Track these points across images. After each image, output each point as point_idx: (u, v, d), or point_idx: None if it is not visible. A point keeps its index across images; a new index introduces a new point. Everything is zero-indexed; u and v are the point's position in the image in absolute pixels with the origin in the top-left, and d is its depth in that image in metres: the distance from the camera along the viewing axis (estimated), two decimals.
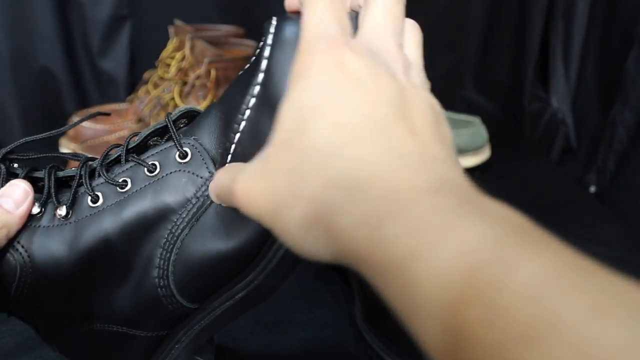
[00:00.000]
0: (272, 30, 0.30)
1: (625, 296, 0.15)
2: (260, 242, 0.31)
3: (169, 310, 0.33)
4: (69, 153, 0.35)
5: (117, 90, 0.91)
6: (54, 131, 0.35)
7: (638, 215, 0.69)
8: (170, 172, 0.32)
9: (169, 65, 0.75)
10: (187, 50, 0.73)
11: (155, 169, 0.32)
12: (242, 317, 0.42)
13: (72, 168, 0.34)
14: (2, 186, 0.32)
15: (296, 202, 0.22)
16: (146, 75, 0.79)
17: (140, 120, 0.74)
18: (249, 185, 0.24)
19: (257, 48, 0.31)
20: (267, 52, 0.29)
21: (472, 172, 0.77)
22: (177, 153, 0.32)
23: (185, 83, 0.73)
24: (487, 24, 0.99)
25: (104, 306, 0.33)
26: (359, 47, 0.24)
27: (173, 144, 0.32)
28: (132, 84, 0.91)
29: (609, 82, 0.81)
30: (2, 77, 0.86)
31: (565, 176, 0.83)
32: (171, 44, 0.77)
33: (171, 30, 0.78)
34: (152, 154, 0.33)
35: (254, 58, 0.31)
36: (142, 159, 0.33)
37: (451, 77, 1.01)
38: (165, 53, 0.77)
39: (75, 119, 0.75)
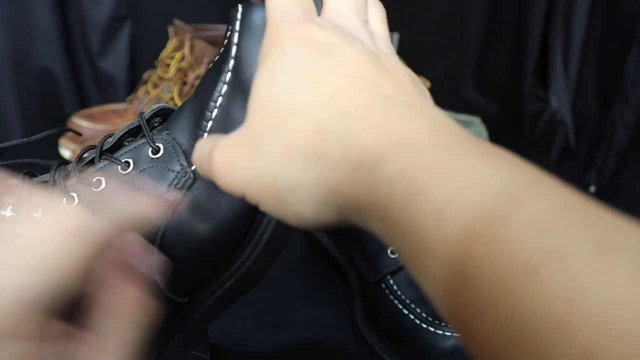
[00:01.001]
0: (238, 16, 0.30)
1: (632, 232, 0.14)
2: (241, 226, 0.31)
3: (160, 305, 0.33)
4: (41, 160, 0.34)
5: (116, 90, 0.91)
6: (27, 138, 0.35)
7: (638, 216, 0.69)
8: (144, 169, 0.32)
9: (168, 65, 0.75)
10: (186, 50, 0.73)
11: (129, 166, 0.32)
12: (242, 317, 0.42)
13: (46, 174, 0.33)
14: None
15: (290, 161, 0.21)
16: (146, 75, 0.79)
17: None
18: (230, 151, 0.23)
19: (225, 37, 0.31)
20: (235, 39, 0.30)
21: None
22: (150, 149, 0.32)
23: (184, 83, 0.73)
24: (487, 24, 0.99)
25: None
26: (324, 23, 0.24)
27: (146, 140, 0.32)
28: (132, 84, 0.91)
29: (608, 82, 0.81)
30: (2, 77, 0.86)
31: (565, 176, 0.83)
32: (171, 44, 0.77)
33: (171, 30, 0.78)
34: (125, 152, 0.33)
35: (222, 47, 0.31)
36: (115, 157, 0.32)
37: (451, 77, 1.01)
38: (164, 53, 0.77)
39: (75, 119, 0.75)
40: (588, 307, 0.13)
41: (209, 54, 0.72)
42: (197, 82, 0.72)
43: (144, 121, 0.33)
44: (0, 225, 0.22)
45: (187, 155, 0.32)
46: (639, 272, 0.13)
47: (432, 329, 0.41)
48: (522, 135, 0.96)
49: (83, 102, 0.92)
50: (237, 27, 0.30)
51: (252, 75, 0.28)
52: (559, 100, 0.90)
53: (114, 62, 0.90)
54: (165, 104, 0.35)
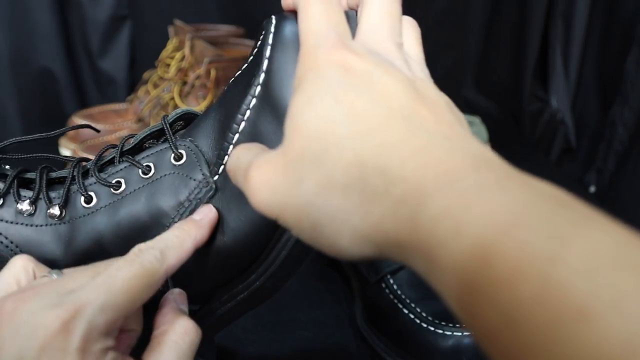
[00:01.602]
0: (272, 29, 0.29)
1: None
2: (260, 242, 0.31)
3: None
4: (63, 156, 0.35)
5: (116, 90, 0.91)
6: (45, 133, 0.34)
7: (638, 215, 0.69)
8: (165, 175, 0.31)
9: (168, 65, 0.75)
10: (187, 50, 0.73)
11: (150, 170, 0.32)
12: (242, 317, 0.42)
13: (64, 169, 0.34)
14: None
15: (330, 192, 0.21)
16: (146, 75, 0.79)
17: (140, 120, 0.74)
18: (268, 173, 0.23)
19: (255, 47, 0.30)
20: (267, 52, 0.29)
21: None
22: (172, 155, 0.32)
23: (185, 83, 0.73)
24: (487, 24, 0.99)
25: None
26: (359, 49, 0.23)
27: (168, 145, 0.32)
28: (132, 84, 0.91)
29: (608, 82, 0.81)
30: (2, 77, 0.86)
31: (564, 176, 0.83)
32: (171, 44, 0.77)
33: (171, 30, 0.78)
34: (147, 155, 0.32)
35: (252, 57, 0.31)
36: (136, 160, 0.32)
37: (451, 77, 1.01)
38: (165, 53, 0.77)
39: (75, 119, 0.75)
40: None
41: (209, 54, 0.72)
42: (197, 82, 0.72)
43: (167, 125, 0.33)
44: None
45: (210, 164, 0.31)
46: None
47: (432, 329, 0.41)
48: (522, 135, 0.96)
49: (83, 102, 0.92)
50: (270, 41, 0.29)
51: (283, 90, 0.29)
52: (559, 100, 0.90)
53: (114, 62, 0.90)
54: (190, 109, 0.34)
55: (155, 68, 0.78)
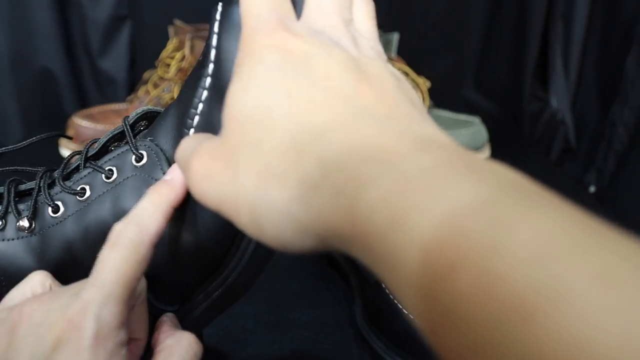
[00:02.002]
0: (217, 17, 0.28)
1: (636, 260, 0.13)
2: (226, 237, 0.31)
3: (151, 313, 0.32)
4: (32, 168, 0.34)
5: (117, 90, 0.91)
6: (12, 146, 0.34)
7: (638, 215, 0.69)
8: (128, 177, 0.31)
9: (168, 65, 0.75)
10: (186, 50, 0.73)
11: (113, 174, 0.31)
12: (242, 316, 0.42)
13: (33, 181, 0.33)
14: None
15: (269, 182, 0.20)
16: (146, 75, 0.79)
17: None
18: (207, 162, 0.22)
19: (208, 38, 0.30)
20: (214, 41, 0.28)
21: None
22: (133, 157, 0.31)
23: None
24: (487, 24, 0.99)
25: None
26: (300, 30, 0.23)
27: (129, 147, 0.31)
28: (132, 84, 0.91)
29: (608, 82, 0.81)
30: (2, 77, 0.86)
31: (564, 176, 0.83)
32: (171, 44, 0.77)
33: (171, 30, 0.78)
34: (109, 159, 0.32)
35: (204, 50, 0.30)
36: (99, 164, 0.32)
37: (451, 77, 1.01)
38: (165, 53, 0.77)
39: (75, 119, 0.75)
40: (591, 350, 0.11)
41: None
42: None
43: (128, 126, 0.32)
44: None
45: (171, 162, 0.30)
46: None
47: None
48: (522, 135, 0.96)
49: (83, 102, 0.92)
50: (216, 29, 0.28)
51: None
52: (559, 100, 0.90)
53: (114, 62, 0.90)
54: (151, 107, 0.33)
55: (155, 68, 0.78)
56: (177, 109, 0.31)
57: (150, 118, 0.33)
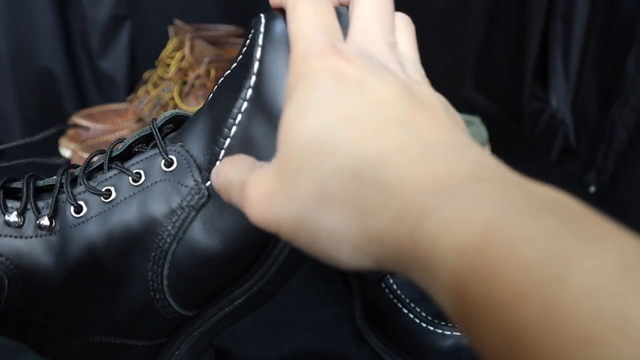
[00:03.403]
0: (261, 29, 0.28)
1: None
2: (255, 247, 0.30)
3: (167, 319, 0.32)
4: (46, 159, 0.34)
5: (117, 90, 0.91)
6: (29, 138, 0.34)
7: (638, 215, 0.69)
8: (156, 182, 0.30)
9: (168, 65, 0.75)
10: (186, 50, 0.73)
11: (140, 178, 0.31)
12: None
13: (52, 177, 0.33)
14: None
15: (328, 205, 0.20)
16: (146, 75, 0.79)
17: (140, 120, 0.74)
18: (265, 187, 0.22)
19: (244, 46, 0.29)
20: (258, 54, 0.28)
21: None
22: (163, 161, 0.31)
23: (185, 83, 0.73)
24: (487, 24, 0.99)
25: (97, 318, 0.32)
26: (351, 53, 0.23)
27: (158, 151, 0.31)
28: (132, 84, 0.91)
29: (608, 82, 0.81)
30: (2, 77, 0.86)
31: (564, 176, 0.83)
32: (171, 44, 0.77)
33: (171, 30, 0.78)
34: (136, 162, 0.31)
35: (241, 57, 0.30)
36: (126, 167, 0.31)
37: (451, 77, 1.01)
38: (165, 53, 0.77)
39: (75, 119, 0.75)
40: None
41: (209, 54, 0.72)
42: (197, 81, 0.72)
43: (156, 130, 0.32)
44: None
45: (202, 170, 0.30)
46: None
47: (431, 328, 0.41)
48: (522, 135, 0.96)
49: (83, 102, 0.92)
50: (260, 41, 0.28)
51: (275, 93, 0.28)
52: (559, 100, 0.90)
53: (114, 62, 0.90)
54: (179, 111, 0.33)
55: (155, 68, 0.78)
56: (210, 117, 0.30)
57: (177, 122, 0.33)
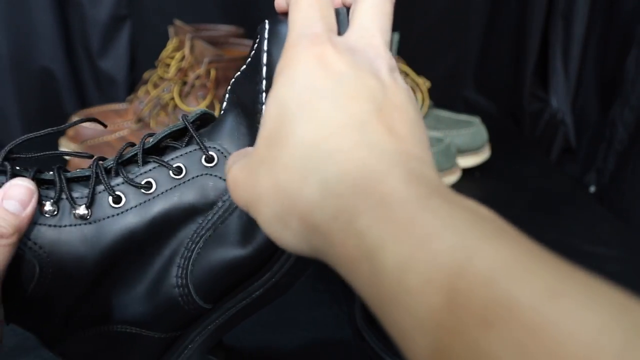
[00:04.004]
0: (266, 35, 0.30)
1: (579, 278, 0.15)
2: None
3: (185, 310, 0.33)
4: (74, 152, 0.34)
5: (117, 90, 0.91)
6: (54, 128, 0.34)
7: (638, 215, 0.69)
8: (197, 176, 0.32)
9: (168, 65, 0.75)
10: (186, 50, 0.73)
11: (181, 172, 0.32)
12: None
13: (77, 169, 0.33)
14: None
15: (275, 196, 0.23)
16: (146, 75, 0.79)
17: (140, 120, 0.74)
18: (237, 174, 0.25)
19: (252, 50, 0.31)
20: (265, 46, 0.30)
21: (472, 172, 0.77)
22: (203, 157, 0.32)
23: (185, 83, 0.73)
24: (487, 24, 1.00)
25: (121, 308, 0.33)
26: (342, 45, 0.24)
27: (197, 147, 0.33)
28: (132, 84, 0.91)
29: (609, 82, 0.81)
30: (2, 77, 0.86)
31: (565, 176, 0.83)
32: (171, 44, 0.77)
33: (171, 30, 0.78)
34: (175, 157, 0.33)
35: (249, 59, 0.32)
36: (165, 161, 0.33)
37: (451, 77, 1.01)
38: (165, 53, 0.77)
39: (75, 119, 0.75)
40: (544, 354, 0.14)
41: (209, 54, 0.72)
42: (197, 82, 0.72)
43: (192, 127, 0.33)
44: None
45: None
46: (591, 317, 0.14)
47: None
48: (522, 135, 0.96)
49: (83, 102, 0.92)
50: (265, 47, 0.30)
51: None
52: (559, 100, 0.90)
53: (114, 62, 0.90)
54: (206, 110, 0.35)
55: (155, 68, 0.78)
56: (238, 116, 0.33)
57: (204, 119, 0.35)
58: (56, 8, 0.86)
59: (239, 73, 0.33)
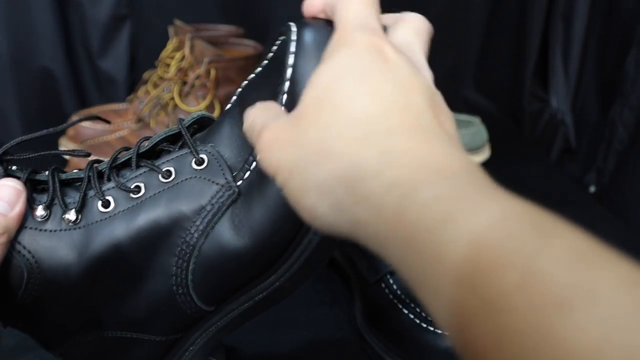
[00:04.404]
0: (293, 37, 0.29)
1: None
2: (282, 244, 0.31)
3: (187, 314, 0.32)
4: (70, 150, 0.34)
5: (116, 90, 0.91)
6: (51, 129, 0.34)
7: (638, 215, 0.69)
8: (186, 179, 0.31)
9: (168, 65, 0.75)
10: (186, 50, 0.73)
11: (171, 175, 0.31)
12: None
13: (74, 170, 0.33)
14: None
15: (325, 159, 0.22)
16: (146, 75, 0.79)
17: (140, 120, 0.74)
18: (278, 134, 0.24)
19: (271, 52, 0.30)
20: (291, 61, 0.29)
21: None
22: (193, 160, 0.32)
23: (185, 83, 0.73)
24: (487, 24, 0.99)
25: (115, 313, 0.32)
26: (392, 43, 0.24)
27: (188, 150, 0.32)
28: (132, 84, 0.91)
29: (608, 82, 0.81)
30: (2, 77, 0.86)
31: (564, 176, 0.83)
32: (171, 44, 0.77)
33: (171, 30, 0.78)
34: (166, 160, 0.32)
35: (266, 62, 0.31)
36: (156, 164, 0.32)
37: (451, 77, 1.01)
38: (165, 53, 0.77)
39: (75, 119, 0.75)
40: (618, 346, 0.13)
41: (209, 54, 0.72)
42: (197, 82, 0.72)
43: (185, 130, 0.33)
44: None
45: (233, 170, 0.31)
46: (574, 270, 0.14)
47: (431, 329, 0.41)
48: (522, 135, 0.96)
49: (83, 102, 0.92)
50: (293, 49, 0.29)
51: None
52: (559, 100, 0.90)
53: (114, 62, 0.90)
54: (205, 113, 0.34)
55: (155, 68, 0.78)
56: (240, 121, 0.31)
57: (202, 123, 0.34)
58: (56, 8, 0.86)
59: (253, 75, 0.32)
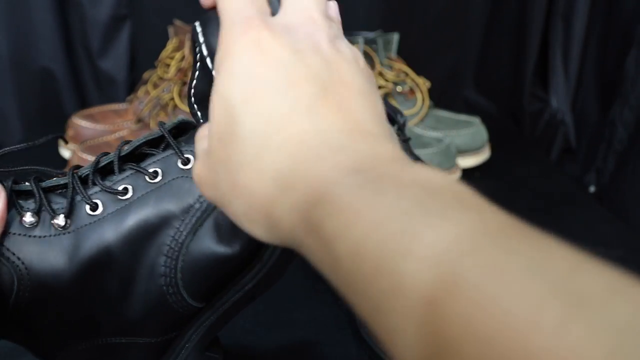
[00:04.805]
0: (201, 38, 0.30)
1: (530, 246, 0.15)
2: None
3: (179, 312, 0.33)
4: (48, 169, 0.34)
5: (116, 90, 0.91)
6: (30, 143, 0.34)
7: (638, 215, 0.69)
8: (173, 179, 0.32)
9: (168, 66, 0.75)
10: (186, 50, 0.73)
11: (157, 175, 0.32)
12: (242, 317, 0.42)
13: (54, 178, 0.33)
14: None
15: (236, 194, 0.23)
16: (146, 75, 0.79)
17: (139, 120, 0.74)
18: (199, 173, 0.25)
19: (195, 56, 0.30)
20: (204, 50, 0.29)
21: (472, 173, 0.77)
22: (179, 160, 0.32)
23: (184, 83, 0.73)
24: (487, 24, 0.99)
25: (108, 318, 0.32)
26: (277, 26, 0.23)
27: (173, 152, 0.32)
28: (132, 84, 0.91)
29: (608, 82, 0.81)
30: (2, 77, 0.86)
31: (564, 176, 0.83)
32: (171, 44, 0.77)
33: (171, 30, 0.78)
34: (152, 162, 0.32)
35: (198, 63, 0.30)
36: (142, 166, 0.32)
37: (451, 77, 1.01)
38: (164, 53, 0.77)
39: (75, 119, 0.75)
40: (483, 329, 0.14)
41: None
42: None
43: (168, 133, 0.33)
44: None
45: None
46: (537, 291, 0.13)
47: None
48: (522, 135, 0.96)
49: (83, 102, 0.92)
50: (201, 38, 0.30)
51: None
52: (559, 100, 0.90)
53: (114, 62, 0.90)
54: (185, 118, 0.35)
55: (155, 68, 0.78)
56: None
57: (182, 127, 0.34)
58: (56, 8, 0.86)
59: (195, 81, 0.32)
